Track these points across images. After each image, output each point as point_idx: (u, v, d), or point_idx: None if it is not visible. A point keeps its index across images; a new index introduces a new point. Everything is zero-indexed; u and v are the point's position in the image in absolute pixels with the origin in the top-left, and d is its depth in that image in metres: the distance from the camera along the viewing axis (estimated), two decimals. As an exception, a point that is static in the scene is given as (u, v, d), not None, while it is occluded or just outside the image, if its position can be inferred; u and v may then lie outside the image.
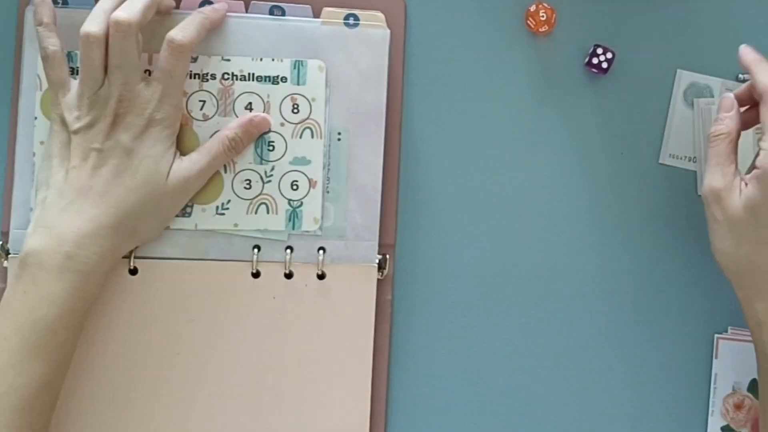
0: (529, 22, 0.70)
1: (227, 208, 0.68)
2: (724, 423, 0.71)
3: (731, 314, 0.71)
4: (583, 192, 0.71)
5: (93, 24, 0.63)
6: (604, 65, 0.70)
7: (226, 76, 0.67)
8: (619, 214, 0.71)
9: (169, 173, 0.64)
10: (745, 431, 0.71)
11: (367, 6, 0.69)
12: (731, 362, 0.71)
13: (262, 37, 0.67)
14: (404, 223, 0.71)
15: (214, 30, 0.67)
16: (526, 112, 0.71)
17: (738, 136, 0.66)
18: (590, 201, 0.71)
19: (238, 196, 0.68)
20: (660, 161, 0.72)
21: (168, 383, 0.68)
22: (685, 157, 0.72)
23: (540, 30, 0.70)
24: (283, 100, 0.68)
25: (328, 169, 0.68)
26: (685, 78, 0.72)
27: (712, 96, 0.72)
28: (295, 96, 0.68)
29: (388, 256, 0.69)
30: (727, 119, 0.65)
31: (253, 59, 0.67)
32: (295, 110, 0.68)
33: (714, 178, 0.64)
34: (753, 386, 0.71)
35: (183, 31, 0.64)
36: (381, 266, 0.69)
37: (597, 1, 0.72)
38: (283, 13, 0.69)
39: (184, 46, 0.64)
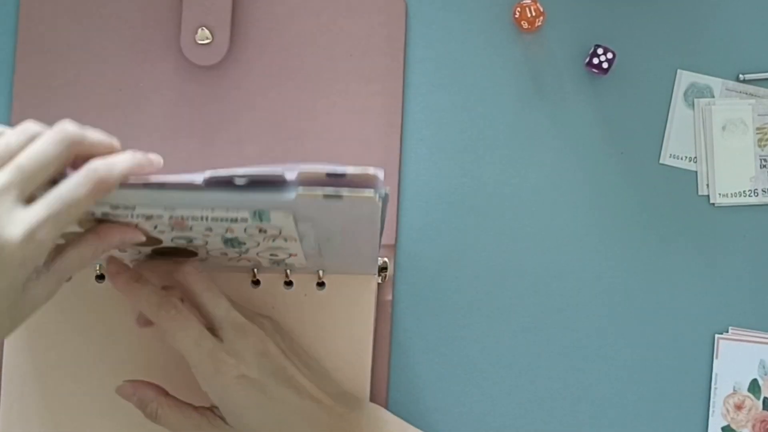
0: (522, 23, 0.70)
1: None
2: (725, 423, 0.71)
3: (731, 314, 0.71)
4: (583, 192, 0.71)
5: None
6: (605, 65, 0.70)
7: (175, 216, 0.56)
8: (619, 214, 0.71)
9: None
10: (746, 431, 0.71)
11: (368, 6, 0.69)
12: (732, 362, 0.71)
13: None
14: (404, 224, 0.71)
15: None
16: (527, 112, 0.72)
17: None
18: (590, 201, 0.71)
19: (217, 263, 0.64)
20: (660, 161, 0.72)
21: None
22: (686, 157, 0.72)
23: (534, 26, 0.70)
24: (247, 228, 0.58)
25: None
26: (685, 78, 0.72)
27: (713, 96, 0.72)
28: (262, 226, 0.58)
29: (387, 260, 0.69)
30: None
31: (203, 209, 0.55)
32: (263, 232, 0.59)
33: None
34: (754, 387, 0.71)
35: (111, 166, 0.52)
36: (382, 270, 0.68)
37: (597, 1, 0.72)
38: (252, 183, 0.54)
39: (107, 184, 0.51)
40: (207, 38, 0.69)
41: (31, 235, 0.50)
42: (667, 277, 0.71)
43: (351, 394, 0.66)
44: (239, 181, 0.53)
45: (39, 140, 0.52)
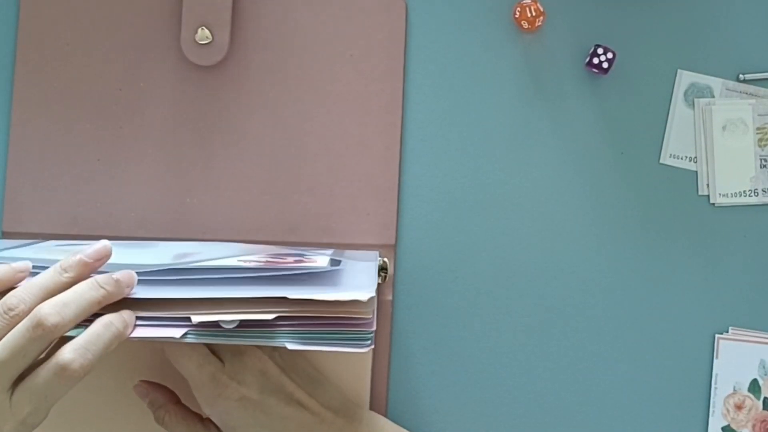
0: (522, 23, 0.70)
1: None
2: (725, 423, 0.71)
3: (731, 314, 0.71)
4: (583, 192, 0.71)
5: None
6: (605, 65, 0.70)
7: None
8: (619, 215, 0.71)
9: None
10: (746, 431, 0.71)
11: (368, 6, 0.69)
12: (732, 362, 0.71)
13: None
14: (404, 224, 0.71)
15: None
16: (527, 112, 0.71)
17: None
18: (590, 201, 0.71)
19: None
20: (660, 161, 0.72)
21: None
22: (686, 157, 0.72)
23: (535, 26, 0.70)
24: None
25: None
26: (685, 78, 0.72)
27: (713, 96, 0.72)
28: None
29: (387, 260, 0.69)
30: None
31: None
32: None
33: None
34: (754, 386, 0.71)
35: (82, 355, 0.52)
36: (382, 270, 0.68)
37: (597, 1, 0.72)
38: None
39: (76, 375, 0.52)
40: (207, 38, 0.69)
41: (22, 426, 0.52)
42: (667, 277, 0.71)
43: (351, 403, 0.66)
44: (227, 325, 0.55)
45: (15, 332, 0.52)
